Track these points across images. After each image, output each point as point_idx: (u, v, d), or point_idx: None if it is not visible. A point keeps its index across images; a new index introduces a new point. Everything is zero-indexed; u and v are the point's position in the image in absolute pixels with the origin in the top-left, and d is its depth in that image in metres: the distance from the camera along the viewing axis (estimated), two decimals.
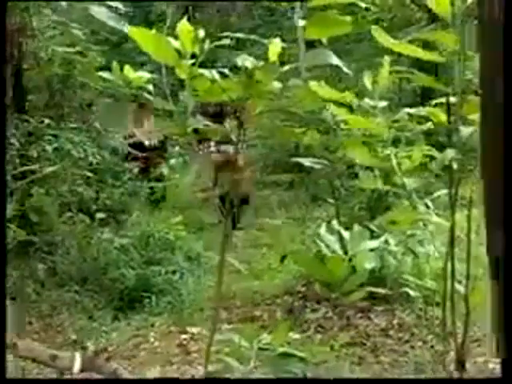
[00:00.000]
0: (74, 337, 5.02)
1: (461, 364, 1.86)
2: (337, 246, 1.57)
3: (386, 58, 1.99)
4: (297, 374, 1.64)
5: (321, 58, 1.76)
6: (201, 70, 1.94)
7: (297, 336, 3.58)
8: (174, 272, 5.83)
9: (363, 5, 1.96)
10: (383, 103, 1.99)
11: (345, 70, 1.82)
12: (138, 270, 5.54)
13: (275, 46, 1.78)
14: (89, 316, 5.24)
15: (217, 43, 2.04)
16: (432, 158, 2.25)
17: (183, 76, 1.98)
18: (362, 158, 1.96)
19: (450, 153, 1.81)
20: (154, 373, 4.11)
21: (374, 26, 1.79)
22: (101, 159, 6.20)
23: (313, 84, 1.82)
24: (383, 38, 1.77)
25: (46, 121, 5.94)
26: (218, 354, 2.89)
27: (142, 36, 1.87)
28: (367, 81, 1.98)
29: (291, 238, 6.86)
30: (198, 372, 4.05)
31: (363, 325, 4.73)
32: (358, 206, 6.21)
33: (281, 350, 1.77)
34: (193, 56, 1.97)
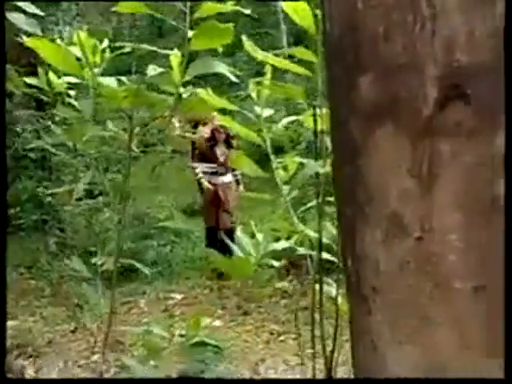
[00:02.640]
0: (76, 301, 5.70)
1: (328, 371, 1.61)
2: (250, 247, 1.58)
3: (268, 68, 1.82)
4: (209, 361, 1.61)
5: (207, 67, 1.70)
6: (101, 78, 1.86)
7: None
8: (164, 245, 6.52)
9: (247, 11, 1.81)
10: (268, 112, 1.86)
11: (232, 78, 1.76)
12: (133, 244, 6.22)
13: (175, 57, 1.70)
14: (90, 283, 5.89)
15: (116, 52, 1.98)
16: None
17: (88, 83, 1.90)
18: (248, 169, 1.82)
19: (314, 164, 1.68)
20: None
21: (244, 38, 1.63)
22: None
23: (200, 91, 1.69)
24: (252, 49, 1.65)
25: None
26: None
27: (41, 46, 1.76)
28: (252, 89, 1.83)
29: None
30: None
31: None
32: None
33: (196, 339, 1.68)
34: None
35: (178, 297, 5.63)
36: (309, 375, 1.67)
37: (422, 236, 0.76)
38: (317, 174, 1.63)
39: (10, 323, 5.82)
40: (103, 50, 1.90)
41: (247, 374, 3.98)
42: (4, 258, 1.42)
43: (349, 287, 0.85)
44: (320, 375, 1.62)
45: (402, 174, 0.75)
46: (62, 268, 6.12)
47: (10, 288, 6.30)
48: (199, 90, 1.62)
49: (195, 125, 7.24)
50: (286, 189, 1.77)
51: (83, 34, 1.86)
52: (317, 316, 1.67)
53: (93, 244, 6.43)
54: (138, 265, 1.93)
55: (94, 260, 1.91)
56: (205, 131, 7.01)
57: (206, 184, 6.83)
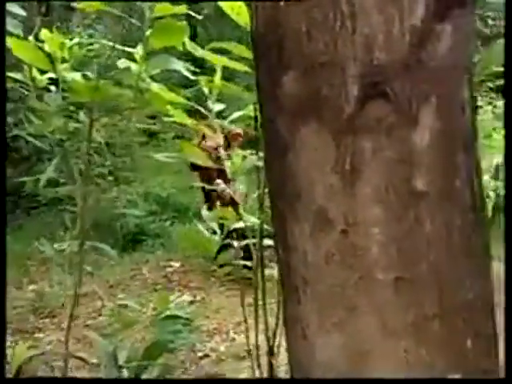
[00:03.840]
0: (89, 269, 5.62)
1: (270, 350, 1.50)
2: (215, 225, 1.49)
3: (218, 66, 1.69)
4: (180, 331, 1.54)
5: (163, 63, 1.55)
6: (68, 74, 1.73)
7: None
8: (165, 220, 6.48)
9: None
10: (219, 107, 1.74)
11: (185, 73, 1.60)
12: (138, 219, 6.21)
13: (139, 51, 1.56)
14: (101, 253, 5.92)
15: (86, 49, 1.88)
16: None
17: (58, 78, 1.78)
18: (201, 161, 1.70)
19: (252, 158, 1.62)
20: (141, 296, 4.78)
21: (186, 39, 1.53)
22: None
23: (154, 87, 1.55)
24: (193, 48, 1.53)
25: None
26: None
27: (13, 43, 1.63)
28: (203, 85, 1.70)
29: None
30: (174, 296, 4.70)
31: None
32: None
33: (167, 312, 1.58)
34: None
35: (176, 265, 5.60)
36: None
37: (347, 229, 0.70)
38: (257, 167, 1.54)
39: (30, 287, 5.76)
40: (71, 47, 1.76)
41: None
42: (4, 258, 1.33)
43: (281, 277, 0.76)
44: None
45: (327, 170, 0.67)
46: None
47: (31, 257, 6.26)
48: (154, 86, 1.50)
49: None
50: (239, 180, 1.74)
51: (49, 33, 1.74)
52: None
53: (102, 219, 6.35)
54: (104, 245, 1.82)
55: (56, 245, 1.81)
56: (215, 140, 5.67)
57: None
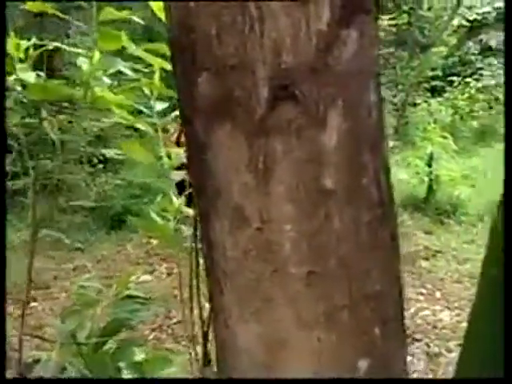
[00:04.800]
0: (79, 245, 5.55)
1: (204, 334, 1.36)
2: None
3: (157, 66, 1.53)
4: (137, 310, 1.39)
5: (111, 64, 1.40)
6: (23, 73, 1.52)
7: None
8: (146, 203, 6.38)
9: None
10: (160, 106, 1.57)
11: (130, 74, 1.45)
12: (124, 202, 6.14)
13: (95, 54, 1.42)
14: (90, 232, 5.83)
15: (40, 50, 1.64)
16: None
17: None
18: (138, 156, 1.51)
19: (181, 155, 1.51)
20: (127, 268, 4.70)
21: (125, 40, 1.39)
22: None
23: (97, 89, 1.40)
24: (131, 48, 1.38)
25: None
26: None
27: None
28: (144, 85, 1.54)
29: None
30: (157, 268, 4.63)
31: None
32: None
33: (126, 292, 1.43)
34: None
35: (155, 242, 5.49)
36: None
37: (262, 226, 0.63)
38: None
39: (26, 262, 5.60)
40: (27, 48, 1.56)
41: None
42: (4, 258, 1.22)
43: (206, 270, 0.68)
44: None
45: (242, 169, 0.60)
46: (69, 220, 5.92)
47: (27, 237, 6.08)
48: (97, 86, 1.37)
49: None
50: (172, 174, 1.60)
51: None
52: None
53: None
54: (58, 234, 1.68)
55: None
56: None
57: None
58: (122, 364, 1.43)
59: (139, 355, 1.49)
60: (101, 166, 7.45)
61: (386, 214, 0.69)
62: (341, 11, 0.58)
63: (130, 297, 1.36)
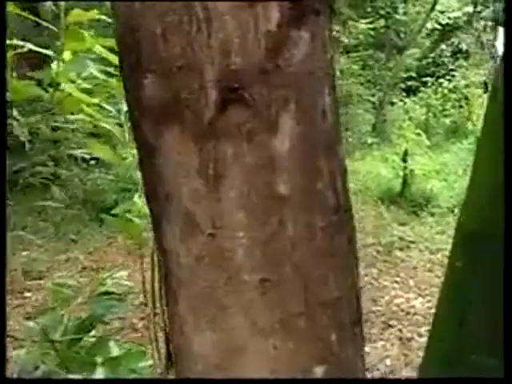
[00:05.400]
0: (73, 237, 5.47)
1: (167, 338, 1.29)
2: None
3: None
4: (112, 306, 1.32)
5: (80, 67, 1.31)
6: None
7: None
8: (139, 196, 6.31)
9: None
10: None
11: (98, 76, 1.36)
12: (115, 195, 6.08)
13: (67, 54, 1.33)
14: (83, 224, 5.74)
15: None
16: None
17: None
18: (103, 154, 1.45)
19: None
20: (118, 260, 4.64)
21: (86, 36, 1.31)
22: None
23: (68, 87, 1.31)
24: (96, 48, 1.31)
25: None
26: None
27: None
28: (112, 85, 1.44)
29: None
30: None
31: None
32: None
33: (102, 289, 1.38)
34: None
35: (147, 235, 5.41)
36: None
37: (214, 233, 0.56)
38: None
39: (23, 253, 5.56)
40: None
41: None
42: (4, 258, 1.14)
43: (162, 277, 0.62)
44: None
45: (192, 174, 0.53)
46: (63, 212, 5.83)
47: (26, 228, 6.07)
48: (67, 86, 1.28)
49: None
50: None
51: None
52: None
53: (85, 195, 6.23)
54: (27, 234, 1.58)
55: None
56: None
57: None
58: (98, 359, 1.38)
59: (115, 350, 1.43)
60: (93, 162, 7.35)
61: (342, 218, 0.63)
62: (291, 12, 0.53)
63: (105, 293, 1.31)
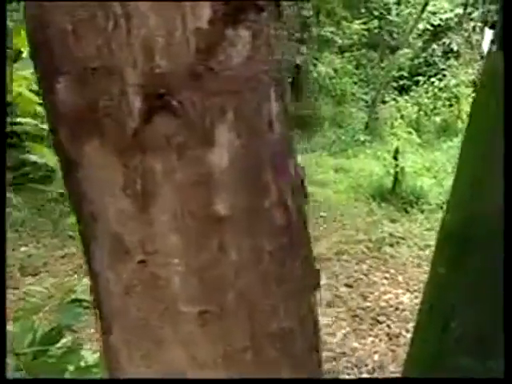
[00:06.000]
0: (70, 233, 5.40)
1: None
2: None
3: None
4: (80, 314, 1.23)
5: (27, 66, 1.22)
6: None
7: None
8: None
9: None
10: None
11: None
12: None
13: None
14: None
15: None
16: None
17: None
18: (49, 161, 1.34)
19: None
20: None
21: None
22: None
23: (18, 85, 1.23)
24: None
25: None
26: None
27: None
28: None
29: None
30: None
31: None
32: None
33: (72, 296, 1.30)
34: None
35: None
36: None
37: (146, 259, 0.46)
38: None
39: (22, 249, 5.50)
40: None
41: None
42: (4, 258, 1.07)
43: (94, 303, 0.52)
44: None
45: (117, 192, 0.44)
46: (60, 209, 5.77)
47: (24, 224, 6.02)
48: (16, 85, 1.18)
49: None
50: None
51: None
52: None
53: None
54: None
55: None
56: None
57: None
58: (70, 368, 1.30)
59: (89, 358, 1.35)
60: None
61: (294, 240, 0.54)
62: (225, 8, 0.43)
63: (75, 300, 1.22)
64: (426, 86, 9.98)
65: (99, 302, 0.56)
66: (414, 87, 10.43)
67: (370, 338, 3.70)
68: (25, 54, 1.15)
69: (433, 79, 9.98)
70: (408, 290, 4.42)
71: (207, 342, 0.52)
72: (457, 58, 10.25)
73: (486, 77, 1.26)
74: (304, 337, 0.56)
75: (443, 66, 10.44)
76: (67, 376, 1.19)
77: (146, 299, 0.51)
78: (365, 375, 3.28)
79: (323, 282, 4.03)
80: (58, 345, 1.14)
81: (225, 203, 0.48)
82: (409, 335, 3.80)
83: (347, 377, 3.22)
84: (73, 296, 1.22)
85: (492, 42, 1.31)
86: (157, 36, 0.43)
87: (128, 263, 0.51)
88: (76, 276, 4.38)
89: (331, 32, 10.20)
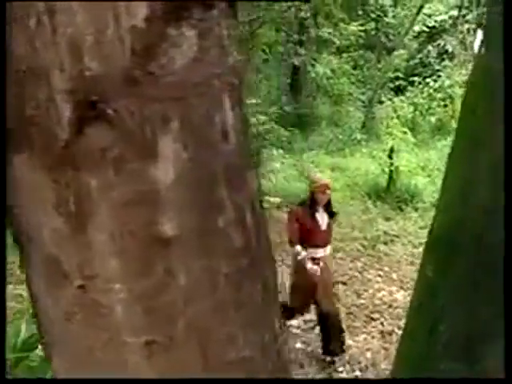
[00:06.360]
0: None
1: None
2: None
3: None
4: None
5: None
6: None
7: None
8: None
9: None
10: None
11: None
12: None
13: None
14: None
15: None
16: None
17: None
18: None
19: None
20: None
21: None
22: None
23: None
24: None
25: None
26: None
27: None
28: None
29: None
30: None
31: None
32: None
33: None
34: None
35: None
36: None
37: (85, 284, 0.40)
38: None
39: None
40: None
41: None
42: (4, 259, 0.99)
43: (37, 325, 0.46)
44: None
45: (49, 211, 0.37)
46: None
47: None
48: None
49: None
50: None
51: None
52: None
53: None
54: None
55: None
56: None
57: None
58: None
59: None
60: None
61: (254, 261, 0.48)
62: (165, 4, 0.37)
63: None
64: (421, 86, 9.90)
65: (41, 329, 0.49)
66: (409, 87, 10.34)
67: (363, 336, 3.64)
68: None
69: (428, 80, 9.90)
70: (402, 288, 4.36)
71: (154, 374, 0.45)
72: (451, 59, 10.16)
73: (475, 78, 1.19)
74: (267, 365, 0.50)
75: (438, 67, 10.35)
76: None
77: (88, 328, 0.45)
78: (357, 373, 3.22)
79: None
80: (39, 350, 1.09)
81: (172, 223, 0.42)
82: (401, 333, 3.74)
83: (340, 375, 3.16)
84: None
85: (481, 43, 1.24)
86: (85, 34, 0.37)
87: (67, 288, 0.44)
88: None
89: (329, 33, 10.11)
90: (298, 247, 3.01)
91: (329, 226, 3.07)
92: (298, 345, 3.51)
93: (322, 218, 3.04)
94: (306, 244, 3.01)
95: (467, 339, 1.49)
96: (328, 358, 3.15)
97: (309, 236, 2.97)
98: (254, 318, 0.48)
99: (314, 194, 2.98)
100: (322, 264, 3.06)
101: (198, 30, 0.39)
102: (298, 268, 3.03)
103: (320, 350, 3.19)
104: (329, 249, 3.19)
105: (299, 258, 3.02)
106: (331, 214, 3.10)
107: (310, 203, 2.98)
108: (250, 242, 0.46)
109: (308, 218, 2.98)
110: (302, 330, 3.71)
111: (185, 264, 0.43)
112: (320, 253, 3.06)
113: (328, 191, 3.02)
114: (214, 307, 0.45)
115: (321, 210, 3.02)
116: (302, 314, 3.26)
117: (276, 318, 0.50)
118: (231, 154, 0.44)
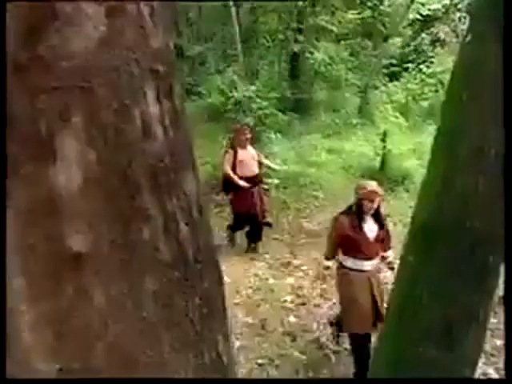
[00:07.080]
0: None
1: None
2: None
3: None
4: None
5: None
6: None
7: None
8: None
9: None
10: None
11: None
12: None
13: None
14: None
15: None
16: None
17: None
18: None
19: None
20: None
21: None
22: None
23: None
24: None
25: None
26: None
27: None
28: None
29: None
30: None
31: None
32: None
33: None
34: None
35: None
36: None
37: None
38: None
39: None
40: None
41: None
42: (4, 259, 0.88)
43: None
44: None
45: None
46: None
47: None
48: None
49: None
50: None
51: None
52: None
53: None
54: None
55: None
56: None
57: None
58: None
59: None
60: None
61: (191, 274, 0.40)
62: None
63: None
64: (414, 72, 9.69)
65: None
66: (403, 73, 10.13)
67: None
68: None
69: (421, 66, 9.68)
70: (391, 268, 4.26)
71: None
72: (443, 46, 9.91)
73: (459, 69, 1.09)
74: None
75: (431, 54, 10.12)
76: None
77: None
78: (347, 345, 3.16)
79: (314, 256, 3.88)
80: None
81: (81, 236, 0.33)
82: None
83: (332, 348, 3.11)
84: None
85: (466, 34, 1.13)
86: None
87: None
88: None
89: (327, 21, 9.86)
90: (329, 263, 2.50)
91: (378, 237, 2.45)
92: (291, 318, 3.48)
93: (370, 229, 2.45)
94: (350, 255, 2.47)
95: (446, 327, 1.42)
96: None
97: (354, 248, 2.43)
98: (189, 337, 0.39)
99: (361, 201, 2.40)
100: (372, 279, 2.48)
101: (106, 7, 0.29)
102: (343, 281, 2.41)
103: (314, 324, 3.09)
104: (377, 261, 2.55)
105: (325, 272, 2.54)
106: (381, 225, 2.49)
107: (357, 212, 2.41)
108: (185, 254, 0.38)
109: (354, 228, 2.40)
110: (296, 304, 3.68)
111: (101, 282, 0.34)
112: (367, 266, 2.46)
113: (378, 198, 2.42)
114: (140, 328, 0.37)
115: (369, 219, 2.45)
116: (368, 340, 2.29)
117: (220, 335, 0.42)
118: (157, 154, 0.35)
